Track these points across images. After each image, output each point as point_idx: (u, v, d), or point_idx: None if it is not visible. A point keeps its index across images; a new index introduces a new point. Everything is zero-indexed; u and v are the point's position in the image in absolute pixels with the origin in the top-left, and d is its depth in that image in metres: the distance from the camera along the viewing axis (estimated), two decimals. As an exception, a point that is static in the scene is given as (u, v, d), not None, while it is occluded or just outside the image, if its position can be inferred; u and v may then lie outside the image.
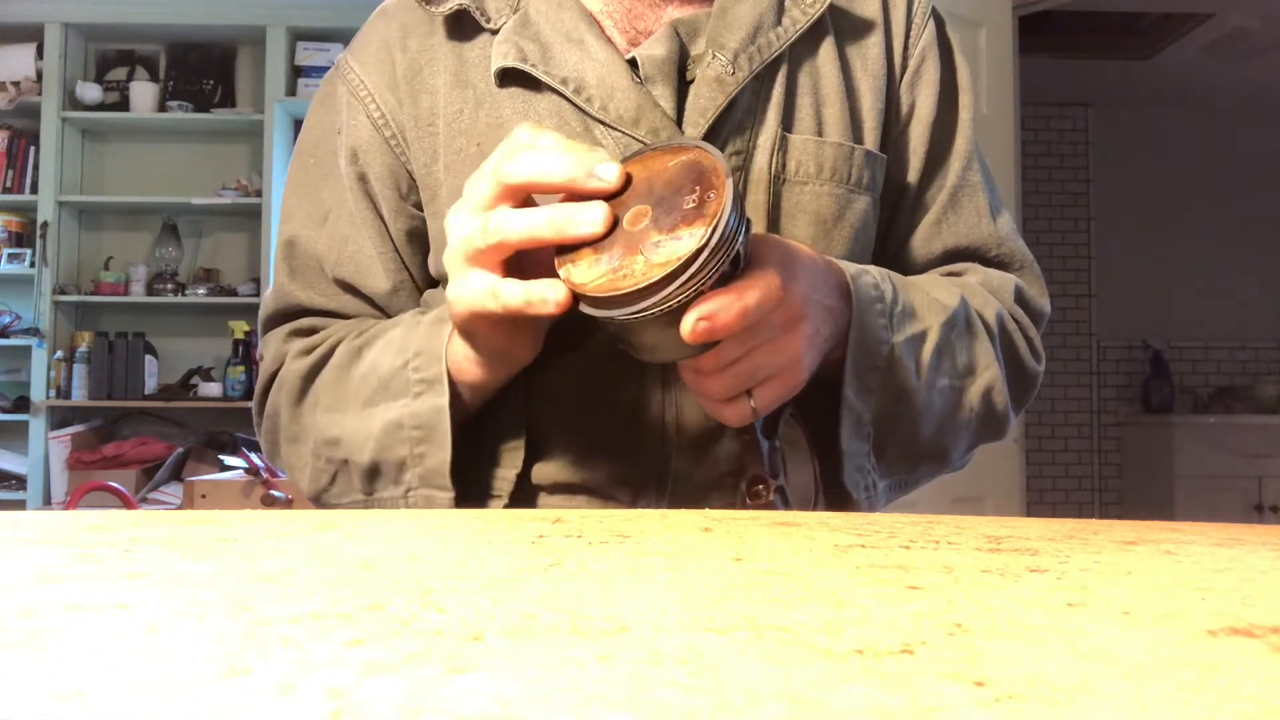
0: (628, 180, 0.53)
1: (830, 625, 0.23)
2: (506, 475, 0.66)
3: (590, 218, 0.51)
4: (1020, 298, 0.75)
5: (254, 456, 2.59)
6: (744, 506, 0.63)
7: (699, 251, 0.48)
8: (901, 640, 0.22)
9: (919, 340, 0.64)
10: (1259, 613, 0.25)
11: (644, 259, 0.49)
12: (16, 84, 3.93)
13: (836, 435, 0.62)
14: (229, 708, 0.17)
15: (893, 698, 0.17)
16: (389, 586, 0.29)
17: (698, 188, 0.50)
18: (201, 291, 4.00)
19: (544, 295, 0.52)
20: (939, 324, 0.65)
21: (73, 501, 2.98)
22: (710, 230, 0.48)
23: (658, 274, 0.48)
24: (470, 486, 0.65)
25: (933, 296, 0.67)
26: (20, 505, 3.76)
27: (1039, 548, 0.37)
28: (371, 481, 0.66)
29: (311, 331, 0.74)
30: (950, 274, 0.75)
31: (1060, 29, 3.95)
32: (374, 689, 0.18)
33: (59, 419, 3.92)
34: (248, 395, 3.96)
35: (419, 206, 0.71)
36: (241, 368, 3.95)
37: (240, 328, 3.95)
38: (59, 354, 3.91)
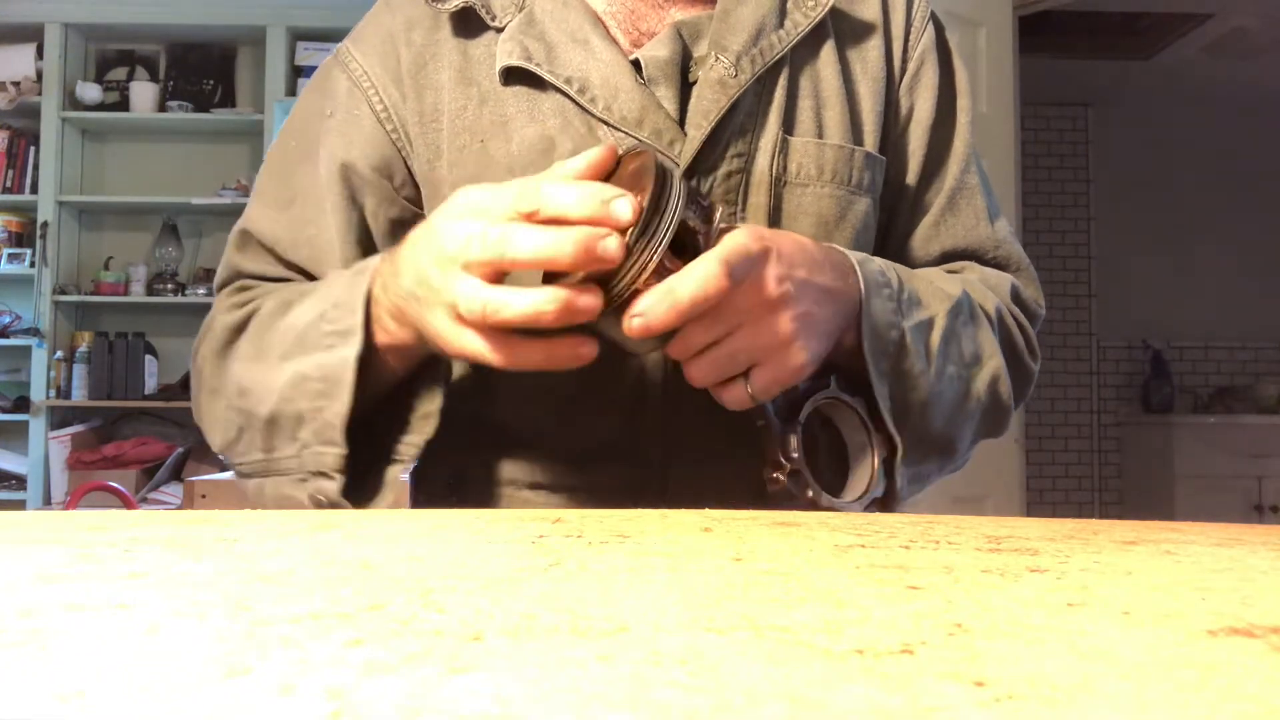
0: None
1: (830, 625, 0.23)
2: (413, 441, 0.63)
3: (611, 246, 0.50)
4: (1017, 297, 0.75)
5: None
6: (768, 491, 0.63)
7: (623, 259, 0.50)
8: (901, 640, 0.22)
9: (927, 327, 0.64)
10: (1259, 613, 0.25)
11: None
12: (16, 84, 3.93)
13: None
14: (229, 708, 0.17)
15: (893, 698, 0.17)
16: (389, 586, 0.29)
17: (632, 191, 0.52)
18: (201, 291, 4.00)
19: (541, 308, 0.51)
20: (945, 311, 0.65)
21: (73, 501, 2.98)
22: (634, 232, 0.50)
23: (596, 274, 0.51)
24: (378, 454, 0.63)
25: (936, 285, 0.67)
26: (20, 505, 3.76)
27: (1039, 548, 0.37)
28: (270, 436, 0.64)
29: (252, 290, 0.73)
30: (949, 272, 0.75)
31: (1060, 29, 3.95)
32: (374, 689, 0.18)
33: (59, 419, 3.92)
34: (248, 395, 3.95)
35: (412, 201, 0.71)
36: (241, 368, 3.94)
37: (240, 328, 3.94)
38: (59, 354, 3.91)
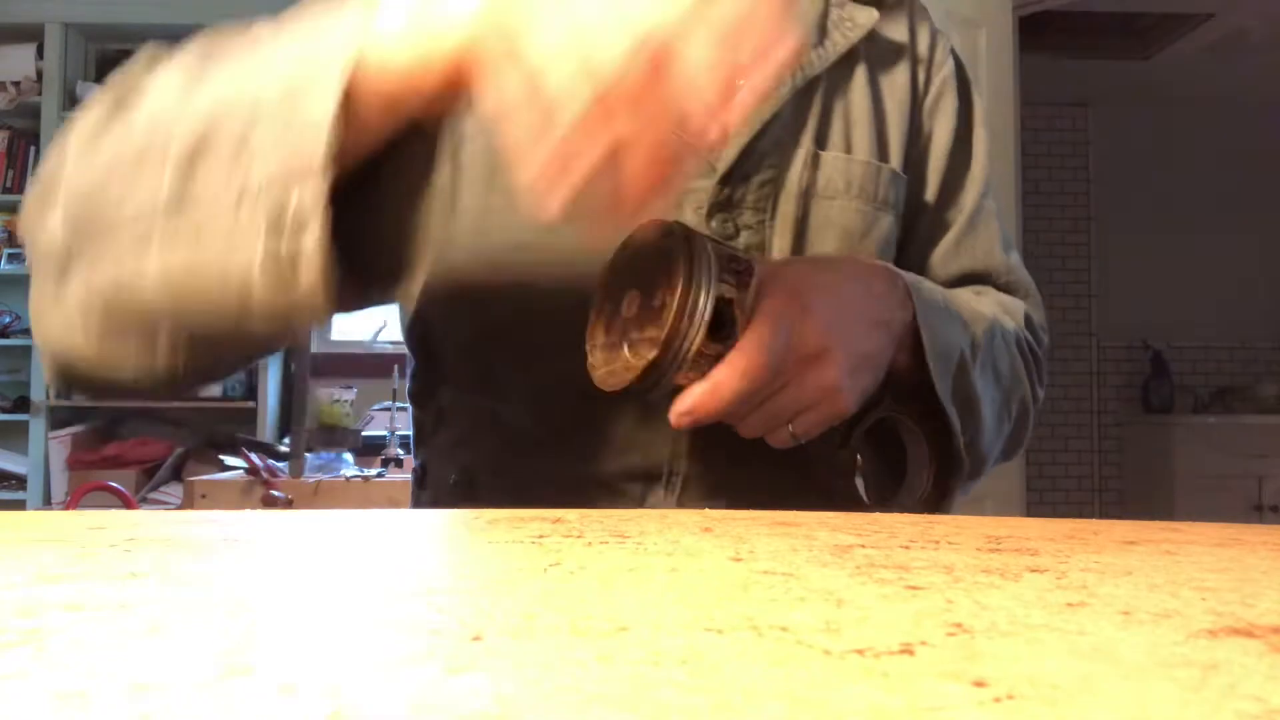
0: (626, 249, 0.55)
1: (830, 625, 0.23)
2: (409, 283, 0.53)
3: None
4: (1030, 324, 0.78)
5: (254, 456, 2.59)
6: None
7: (652, 365, 0.51)
8: (901, 640, 0.22)
9: (974, 348, 0.66)
10: (1259, 613, 0.25)
11: (625, 355, 0.53)
12: (16, 84, 3.93)
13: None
14: (229, 708, 0.17)
15: (893, 698, 0.17)
16: (389, 586, 0.29)
17: (662, 284, 0.52)
18: (201, 291, 3.99)
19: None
20: (982, 332, 0.67)
21: (73, 501, 2.98)
22: (660, 349, 0.51)
23: (630, 376, 0.52)
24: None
25: (972, 307, 0.69)
26: (20, 505, 3.76)
27: (1039, 548, 0.37)
28: (187, 178, 0.43)
29: None
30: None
31: (1060, 29, 3.95)
32: (374, 689, 0.18)
33: (59, 419, 3.92)
34: (248, 395, 3.96)
35: None
36: (241, 368, 3.94)
37: (240, 328, 3.94)
38: (59, 354, 3.90)
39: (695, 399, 0.53)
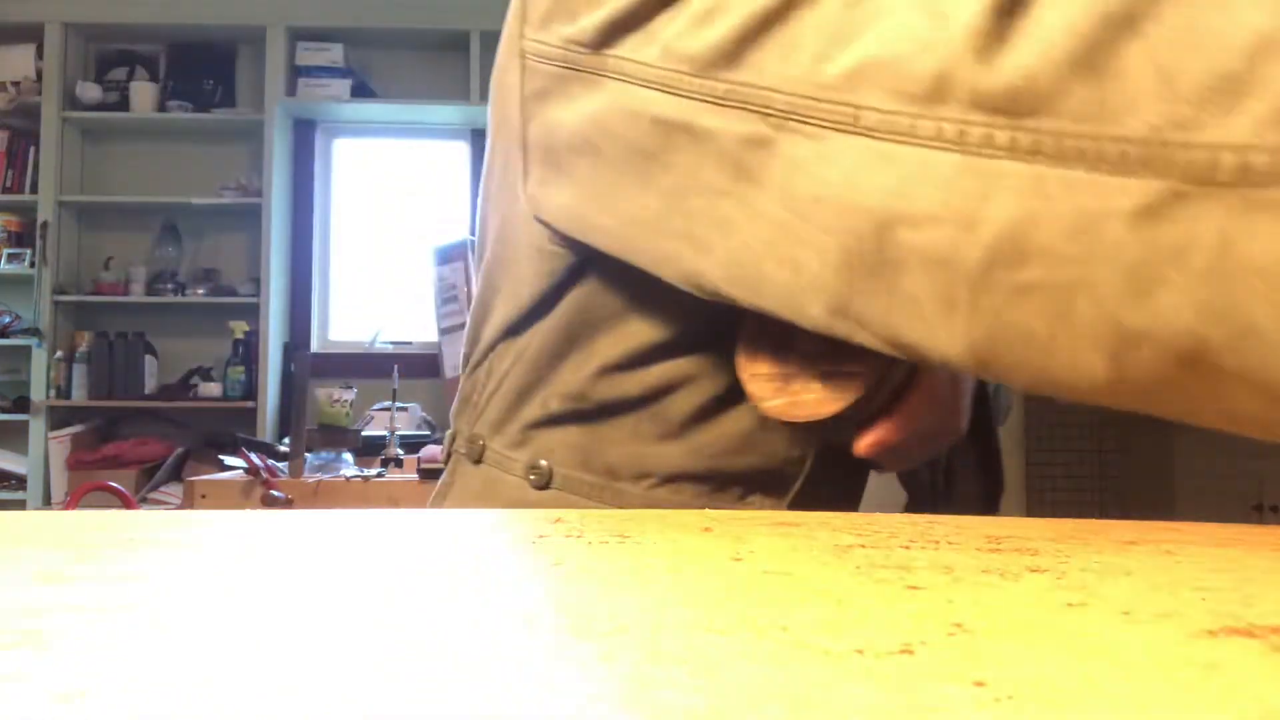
0: None
1: (830, 625, 0.23)
2: None
3: None
4: None
5: (254, 456, 2.59)
6: None
7: (865, 397, 0.53)
8: (901, 640, 0.22)
9: None
10: (1259, 613, 0.25)
11: (817, 387, 0.54)
12: (16, 84, 3.93)
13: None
14: (229, 708, 0.17)
15: (893, 698, 0.17)
16: (391, 587, 0.29)
17: None
18: (201, 291, 4.01)
19: None
20: None
21: (73, 501, 2.98)
22: (876, 382, 0.53)
23: (831, 409, 0.53)
24: None
25: None
26: (20, 505, 3.76)
27: (1039, 548, 0.37)
28: None
29: None
30: None
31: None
32: (375, 689, 0.18)
33: (59, 419, 3.93)
34: (247, 395, 3.96)
35: None
36: (241, 368, 3.95)
37: (240, 328, 3.95)
38: (59, 354, 3.91)
39: (888, 431, 0.55)
